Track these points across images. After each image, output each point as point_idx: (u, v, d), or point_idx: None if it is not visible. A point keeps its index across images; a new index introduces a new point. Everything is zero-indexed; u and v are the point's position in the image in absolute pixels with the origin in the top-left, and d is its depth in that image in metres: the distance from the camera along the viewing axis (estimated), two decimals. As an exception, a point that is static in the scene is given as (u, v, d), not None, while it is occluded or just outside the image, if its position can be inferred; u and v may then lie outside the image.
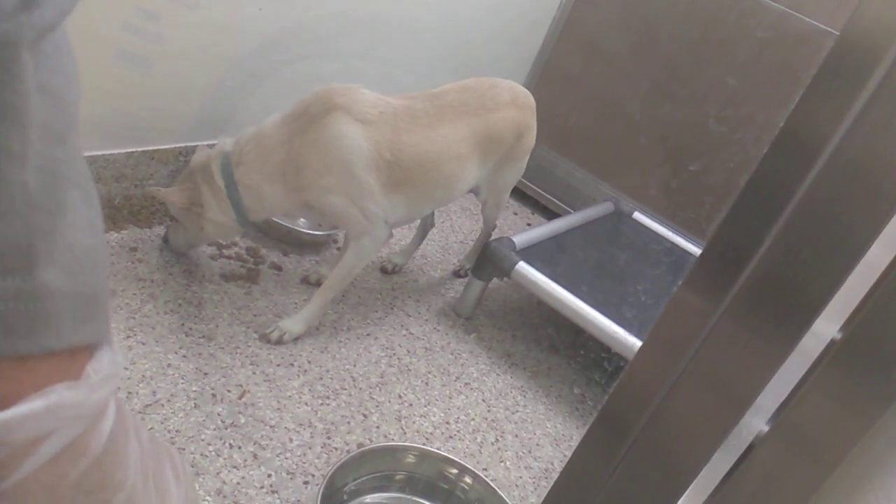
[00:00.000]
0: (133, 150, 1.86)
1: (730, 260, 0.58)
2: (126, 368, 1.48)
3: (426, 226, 2.22)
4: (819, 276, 0.55)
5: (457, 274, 2.29)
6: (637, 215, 2.61)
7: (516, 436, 1.75)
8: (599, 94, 2.78)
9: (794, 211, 0.53)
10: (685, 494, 0.70)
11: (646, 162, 2.72)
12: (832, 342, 0.61)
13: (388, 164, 1.67)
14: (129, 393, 1.43)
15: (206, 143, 2.04)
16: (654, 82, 2.65)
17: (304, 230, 2.15)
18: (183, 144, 1.97)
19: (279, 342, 1.71)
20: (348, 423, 1.59)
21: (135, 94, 1.80)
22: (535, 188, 2.93)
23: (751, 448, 0.66)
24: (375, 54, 2.29)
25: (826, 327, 0.61)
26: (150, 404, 1.43)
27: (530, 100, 2.00)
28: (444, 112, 1.78)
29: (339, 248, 2.14)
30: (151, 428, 1.38)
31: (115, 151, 1.82)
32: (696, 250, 2.49)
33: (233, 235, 1.86)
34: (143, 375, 1.49)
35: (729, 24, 2.47)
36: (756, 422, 0.67)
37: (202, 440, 1.41)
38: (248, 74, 2.00)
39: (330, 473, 1.31)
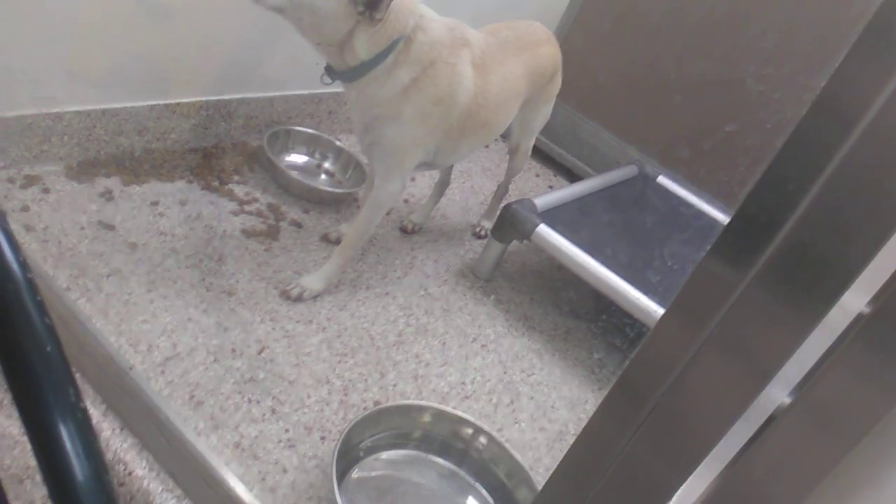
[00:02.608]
0: (155, 102, 1.85)
1: (760, 226, 0.56)
2: (146, 322, 1.50)
3: (444, 183, 2.20)
4: (851, 247, 0.53)
5: (476, 235, 2.28)
6: (662, 179, 2.56)
7: (532, 398, 1.75)
8: (630, 51, 2.71)
9: (830, 178, 0.51)
10: (702, 463, 0.69)
11: (677, 123, 2.65)
12: (860, 316, 0.59)
13: (479, 108, 1.71)
14: (150, 346, 1.45)
15: (229, 97, 2.03)
16: (688, 39, 2.57)
17: (325, 188, 2.14)
18: (205, 98, 1.96)
19: (299, 299, 1.72)
20: (365, 380, 1.60)
21: (157, 46, 1.78)
22: (559, 150, 2.89)
23: (771, 419, 0.65)
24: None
25: (855, 300, 0.60)
26: (171, 357, 1.45)
27: (556, 41, 2.07)
28: (507, 49, 1.81)
29: (359, 207, 2.13)
30: (171, 381, 1.40)
31: (138, 104, 1.82)
32: (721, 216, 2.45)
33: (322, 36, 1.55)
34: (164, 329, 1.50)
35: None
36: (778, 393, 0.66)
37: (221, 394, 1.43)
38: (274, 29, 1.98)
39: (347, 430, 1.32)
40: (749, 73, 2.47)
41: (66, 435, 0.50)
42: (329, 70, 1.60)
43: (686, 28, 2.57)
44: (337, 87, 1.68)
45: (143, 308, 1.53)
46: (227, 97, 2.02)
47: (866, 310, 0.59)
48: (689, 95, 2.61)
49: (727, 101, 2.53)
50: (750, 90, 2.47)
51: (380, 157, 1.70)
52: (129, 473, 1.24)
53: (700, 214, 2.46)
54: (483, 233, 2.27)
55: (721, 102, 2.55)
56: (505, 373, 1.80)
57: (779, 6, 2.38)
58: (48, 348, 0.51)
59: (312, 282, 1.75)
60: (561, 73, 2.06)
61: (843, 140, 0.50)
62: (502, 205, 2.10)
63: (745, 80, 2.48)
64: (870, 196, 0.51)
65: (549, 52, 1.97)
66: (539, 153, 2.89)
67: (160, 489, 1.24)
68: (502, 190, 2.29)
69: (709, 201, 2.51)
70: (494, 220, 2.09)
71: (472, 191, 2.54)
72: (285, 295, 1.71)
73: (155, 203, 1.81)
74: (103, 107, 1.75)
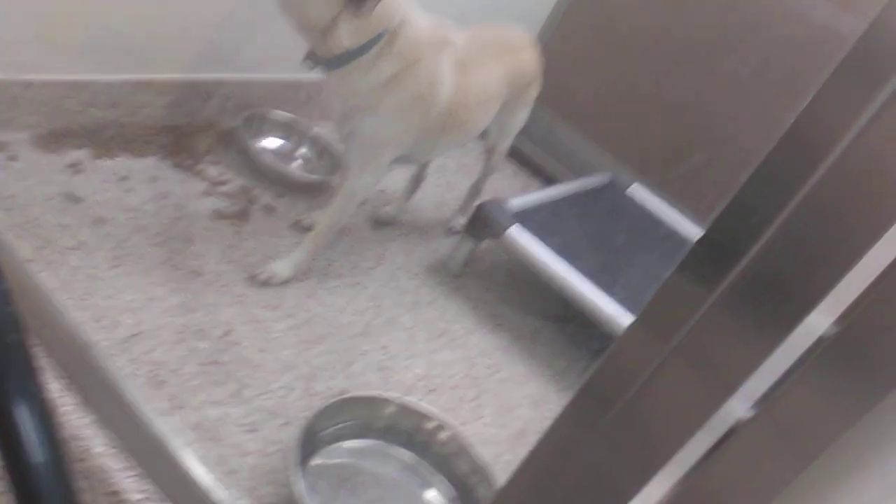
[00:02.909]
0: (130, 77, 1.82)
1: (727, 248, 0.58)
2: (111, 297, 1.48)
3: (419, 177, 2.21)
4: (815, 274, 0.55)
5: (449, 231, 2.29)
6: (635, 188, 2.59)
7: (496, 395, 1.77)
8: (611, 62, 2.74)
9: (797, 207, 0.53)
10: (662, 470, 0.71)
11: (653, 136, 2.69)
12: (823, 337, 0.61)
13: (459, 107, 1.72)
14: (114, 322, 1.43)
15: (206, 76, 2.00)
16: (669, 57, 2.61)
17: (298, 173, 2.12)
18: (182, 76, 1.93)
19: (267, 284, 1.71)
20: (332, 369, 1.60)
21: (136, 20, 1.75)
22: (536, 152, 2.90)
23: (732, 431, 0.66)
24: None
25: (819, 321, 0.61)
26: (135, 334, 1.43)
27: (537, 46, 2.09)
28: (489, 51, 1.83)
29: (333, 195, 2.12)
30: (134, 359, 1.39)
31: (112, 77, 1.79)
32: (692, 227, 2.48)
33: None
34: (128, 306, 1.48)
35: (750, 9, 2.42)
36: (740, 406, 0.67)
37: (185, 374, 1.42)
38: (255, 13, 1.95)
39: (311, 417, 1.32)
40: (725, 98, 2.51)
41: (26, 424, 0.49)
42: (311, 56, 1.59)
43: (667, 46, 2.61)
44: (317, 74, 1.67)
45: (109, 283, 1.50)
46: (204, 77, 1.99)
47: (831, 331, 0.61)
48: (666, 110, 2.65)
49: (701, 122, 2.57)
50: (725, 114, 2.52)
51: (356, 147, 1.70)
52: (88, 450, 1.23)
53: (670, 226, 2.50)
54: (456, 229, 2.28)
55: (695, 122, 2.59)
56: (471, 368, 1.81)
57: (757, 39, 2.42)
58: (10, 338, 0.51)
59: (281, 267, 1.74)
60: (540, 79, 2.08)
61: (810, 172, 0.52)
62: (476, 203, 2.11)
63: (718, 104, 2.52)
64: (833, 227, 0.53)
65: (530, 57, 2.00)
66: (516, 154, 2.89)
67: (119, 467, 1.22)
68: (477, 188, 2.30)
69: (680, 213, 2.54)
70: (468, 217, 2.10)
71: (447, 187, 2.54)
72: (254, 279, 1.70)
73: (125, 178, 1.78)
74: (76, 77, 1.72)
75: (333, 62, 1.57)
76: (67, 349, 1.32)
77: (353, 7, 1.46)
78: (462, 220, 2.26)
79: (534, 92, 2.08)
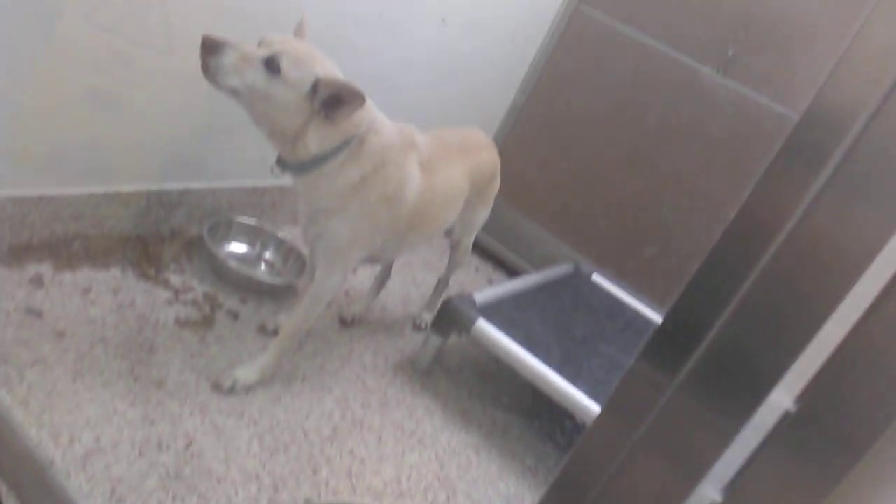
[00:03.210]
0: (95, 190, 1.83)
1: (685, 334, 0.60)
2: (70, 413, 1.43)
3: (385, 276, 2.23)
4: (772, 354, 0.56)
5: (416, 327, 2.29)
6: (596, 277, 2.65)
7: (468, 495, 1.73)
8: (564, 158, 2.86)
9: (750, 289, 0.55)
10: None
11: (608, 225, 2.78)
12: (786, 414, 0.62)
13: (426, 205, 1.76)
14: (72, 439, 1.38)
15: (171, 186, 2.03)
16: (617, 155, 2.74)
17: (263, 278, 2.13)
18: (147, 188, 1.96)
19: (231, 391, 1.68)
20: (297, 477, 1.55)
21: (101, 135, 1.78)
22: (499, 246, 2.96)
23: (703, 519, 0.66)
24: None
25: (781, 398, 0.63)
26: (93, 451, 1.38)
27: (495, 146, 2.19)
28: (451, 152, 1.89)
29: (298, 298, 2.12)
30: (92, 476, 1.33)
31: (77, 191, 1.80)
32: (652, 313, 2.53)
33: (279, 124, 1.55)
34: (87, 421, 1.43)
35: (695, 102, 2.56)
36: (710, 491, 0.68)
37: (145, 490, 1.36)
38: (220, 124, 2.01)
39: (277, 530, 1.27)
40: (672, 188, 2.62)
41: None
42: (280, 161, 1.63)
43: (615, 145, 2.75)
44: (282, 180, 1.71)
45: (67, 399, 1.46)
46: (169, 187, 2.02)
47: (793, 408, 0.62)
48: (619, 202, 2.75)
49: (654, 211, 2.67)
50: (674, 203, 2.62)
51: (323, 250, 1.72)
52: (39, 580, 1.16)
53: (633, 312, 2.54)
54: (423, 325, 2.28)
55: (648, 212, 2.69)
56: (441, 468, 1.77)
57: (703, 126, 2.56)
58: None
59: (246, 374, 1.71)
60: (499, 176, 2.16)
61: (760, 254, 0.54)
62: (443, 298, 2.13)
63: (669, 192, 2.63)
64: (786, 306, 0.55)
65: (489, 157, 2.08)
66: (479, 248, 2.95)
67: None
68: (443, 284, 2.33)
69: (642, 300, 2.59)
70: (434, 312, 2.11)
71: (413, 283, 2.56)
72: (217, 386, 1.67)
73: (87, 290, 1.76)
74: (40, 192, 1.73)
75: (302, 167, 1.59)
76: (24, 470, 1.26)
77: (325, 115, 1.51)
78: (428, 316, 2.26)
79: (494, 189, 2.15)
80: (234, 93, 1.48)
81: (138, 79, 1.75)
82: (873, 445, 0.57)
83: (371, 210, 1.66)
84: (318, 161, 1.58)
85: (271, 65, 1.45)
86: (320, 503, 1.42)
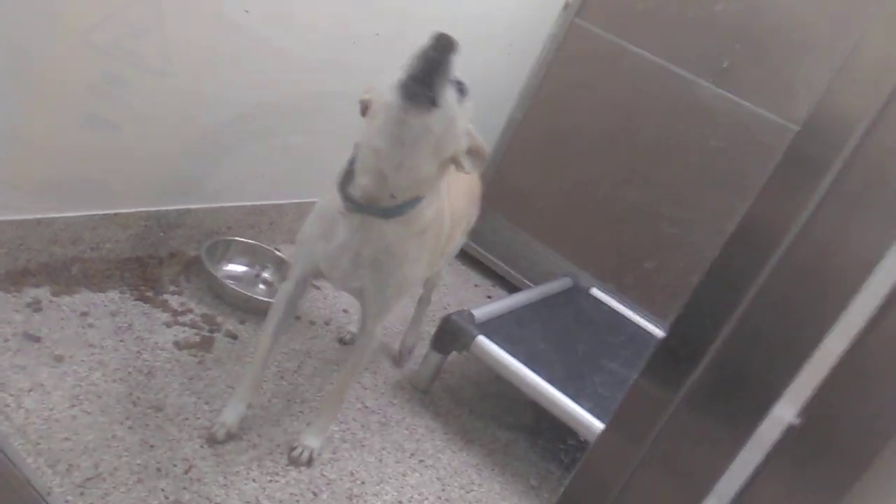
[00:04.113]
0: (94, 213, 1.83)
1: (687, 349, 0.59)
2: (68, 439, 1.42)
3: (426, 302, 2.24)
4: (774, 367, 0.56)
5: (406, 352, 2.22)
6: (594, 291, 2.64)
7: (472, 516, 1.71)
8: (563, 171, 2.85)
9: (751, 303, 0.55)
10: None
11: (607, 239, 2.77)
12: (790, 428, 0.62)
13: (451, 226, 1.68)
14: (70, 466, 1.37)
15: (170, 207, 2.02)
16: (618, 164, 2.74)
17: (262, 298, 2.12)
18: (145, 209, 1.95)
19: (310, 462, 1.65)
20: (297, 501, 1.54)
21: (100, 158, 1.78)
22: (497, 261, 2.95)
23: (709, 537, 0.65)
24: (348, 132, 2.32)
25: (784, 411, 0.62)
26: (91, 478, 1.37)
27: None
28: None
29: (298, 317, 2.11)
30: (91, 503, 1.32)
31: (75, 214, 1.80)
32: (652, 327, 2.52)
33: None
34: (85, 447, 1.42)
35: (691, 114, 2.57)
36: (714, 509, 0.67)
37: (144, 517, 1.35)
38: (217, 144, 2.01)
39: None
40: (671, 200, 2.62)
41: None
42: (352, 202, 1.41)
43: (613, 158, 2.74)
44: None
45: (65, 425, 1.45)
46: (167, 208, 2.02)
47: (796, 421, 0.61)
48: (619, 215, 2.74)
49: (654, 224, 2.66)
50: (673, 217, 2.62)
51: (383, 296, 1.56)
52: None
53: (633, 326, 2.53)
54: (410, 347, 2.22)
55: (643, 229, 2.68)
56: (443, 490, 1.75)
57: (703, 138, 2.56)
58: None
59: (315, 440, 1.67)
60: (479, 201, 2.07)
61: (761, 268, 0.54)
62: (443, 315, 2.10)
63: (668, 205, 2.63)
64: (788, 319, 0.55)
65: (477, 180, 1.99)
66: (478, 264, 2.95)
67: None
68: (424, 302, 2.24)
69: (642, 313, 2.58)
70: (417, 329, 2.12)
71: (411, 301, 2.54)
72: (295, 461, 1.63)
73: (85, 314, 1.75)
74: (38, 216, 1.72)
75: (391, 210, 1.41)
76: (22, 498, 1.25)
77: (458, 163, 1.41)
78: (411, 341, 2.21)
79: (476, 212, 2.05)
80: (376, 150, 1.33)
81: (135, 100, 1.76)
82: (877, 457, 0.56)
83: (426, 248, 1.56)
84: (413, 203, 1.42)
85: (462, 88, 1.35)
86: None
